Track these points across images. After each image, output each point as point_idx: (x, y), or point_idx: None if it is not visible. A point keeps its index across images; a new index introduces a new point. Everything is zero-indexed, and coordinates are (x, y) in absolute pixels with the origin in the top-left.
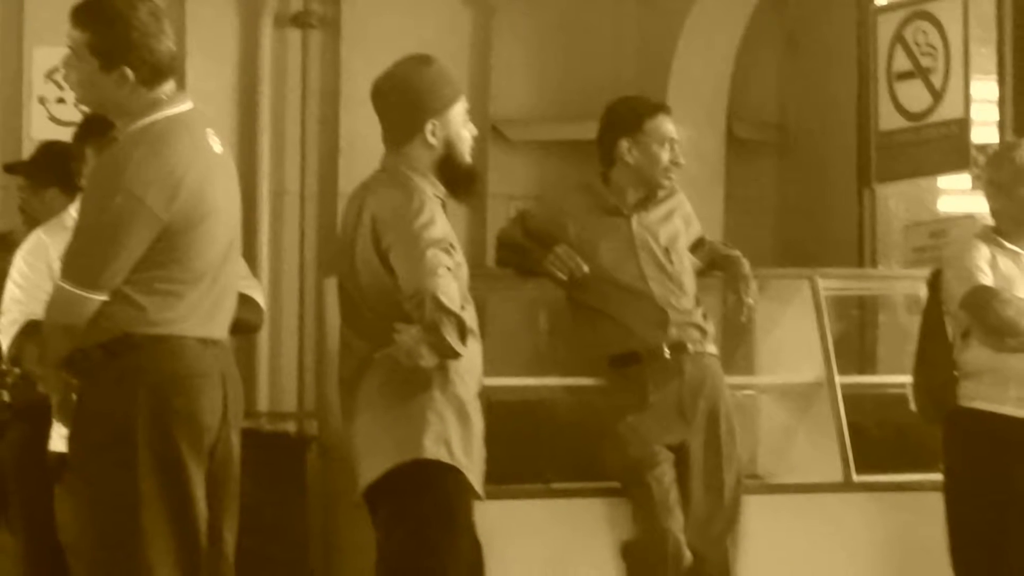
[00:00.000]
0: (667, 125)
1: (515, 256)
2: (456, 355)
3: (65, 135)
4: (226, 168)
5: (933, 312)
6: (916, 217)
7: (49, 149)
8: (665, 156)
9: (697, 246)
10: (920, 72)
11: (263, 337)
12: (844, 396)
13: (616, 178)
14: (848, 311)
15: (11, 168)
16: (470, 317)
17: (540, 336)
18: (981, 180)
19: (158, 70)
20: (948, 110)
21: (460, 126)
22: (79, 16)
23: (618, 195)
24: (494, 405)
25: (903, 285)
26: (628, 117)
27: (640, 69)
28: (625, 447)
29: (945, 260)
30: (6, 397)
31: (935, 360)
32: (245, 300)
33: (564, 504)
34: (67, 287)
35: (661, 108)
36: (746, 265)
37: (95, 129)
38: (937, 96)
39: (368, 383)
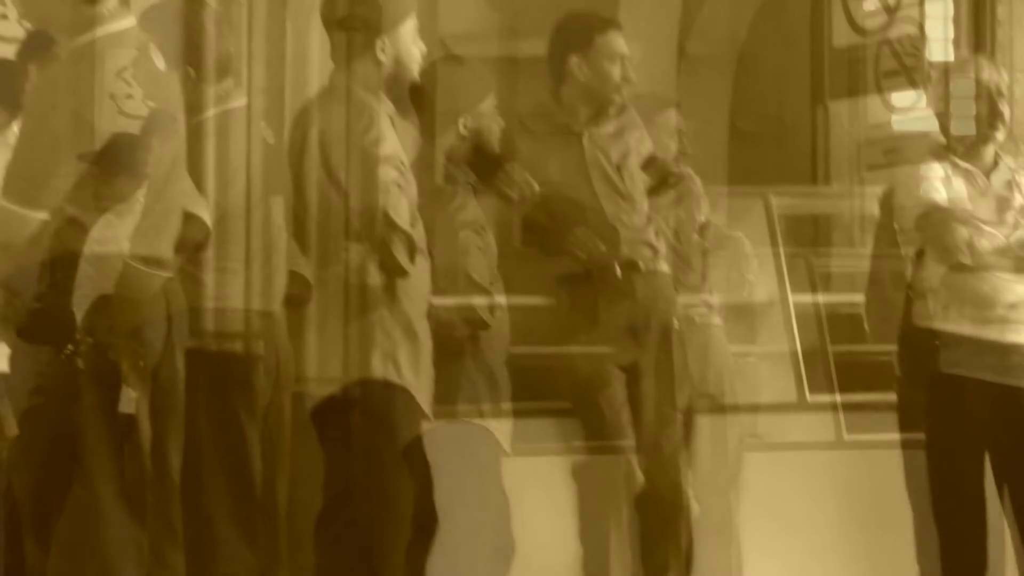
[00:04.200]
0: (618, 41)
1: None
2: (404, 273)
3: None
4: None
5: (885, 231)
6: (870, 135)
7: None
8: (616, 73)
9: (648, 163)
10: None
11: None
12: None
13: (566, 95)
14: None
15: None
16: (419, 236)
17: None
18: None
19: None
20: (902, 26)
21: (410, 43)
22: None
23: (569, 112)
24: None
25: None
26: (578, 33)
27: None
28: (575, 367)
29: (898, 179)
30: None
31: (887, 279)
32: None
33: (516, 424)
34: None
35: (611, 24)
36: (698, 183)
37: None
38: (891, 12)
39: (315, 302)
